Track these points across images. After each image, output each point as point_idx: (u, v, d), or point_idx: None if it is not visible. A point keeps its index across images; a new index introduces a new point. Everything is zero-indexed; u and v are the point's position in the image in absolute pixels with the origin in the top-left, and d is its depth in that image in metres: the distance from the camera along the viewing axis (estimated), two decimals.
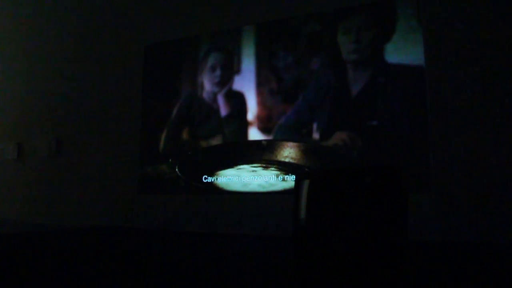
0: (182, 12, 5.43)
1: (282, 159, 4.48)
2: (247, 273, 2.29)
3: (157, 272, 2.24)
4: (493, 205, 3.50)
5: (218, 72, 5.11)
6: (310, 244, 1.56)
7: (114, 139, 5.62)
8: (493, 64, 3.72)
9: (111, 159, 5.57)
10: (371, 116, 4.15)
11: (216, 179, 4.76)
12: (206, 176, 4.79)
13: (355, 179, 1.55)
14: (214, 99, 5.07)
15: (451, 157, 3.75)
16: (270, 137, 4.65)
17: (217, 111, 5.03)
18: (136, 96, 5.55)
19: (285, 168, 4.46)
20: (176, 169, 5.06)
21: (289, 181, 4.40)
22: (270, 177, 4.50)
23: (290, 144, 4.50)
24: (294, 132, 4.53)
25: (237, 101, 4.90)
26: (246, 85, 4.87)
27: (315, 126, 4.42)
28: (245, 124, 4.81)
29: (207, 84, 5.16)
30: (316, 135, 4.39)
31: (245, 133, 4.80)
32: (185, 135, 5.17)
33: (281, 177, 4.46)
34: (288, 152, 4.48)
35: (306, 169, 4.36)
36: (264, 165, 4.56)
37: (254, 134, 4.74)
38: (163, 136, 5.30)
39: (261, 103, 4.77)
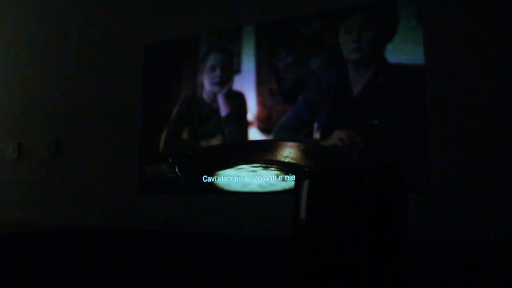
0: (182, 12, 5.42)
1: (282, 159, 4.48)
2: (247, 273, 2.29)
3: (157, 272, 2.24)
4: (493, 205, 3.50)
5: (218, 72, 5.11)
6: (310, 244, 1.56)
7: (114, 139, 5.62)
8: (493, 64, 3.72)
9: (111, 159, 5.56)
10: (372, 116, 4.15)
11: (216, 179, 4.75)
12: (206, 176, 4.79)
13: (355, 179, 1.55)
14: (214, 99, 5.07)
15: (450, 157, 3.75)
16: (270, 137, 4.65)
17: (217, 111, 5.02)
18: (136, 96, 5.55)
19: (285, 168, 4.46)
20: (176, 169, 5.06)
21: (289, 181, 4.40)
22: (270, 177, 4.50)
23: (290, 144, 4.50)
24: (294, 132, 4.53)
25: (237, 101, 4.90)
26: (246, 85, 4.87)
27: (315, 126, 4.41)
28: (245, 124, 4.80)
29: (207, 84, 5.15)
30: (316, 135, 4.39)
31: (245, 133, 4.80)
32: (185, 135, 5.17)
33: (281, 177, 4.46)
34: (288, 152, 4.47)
35: (306, 169, 4.36)
36: (264, 165, 4.56)
37: (254, 134, 4.74)
38: (163, 136, 5.30)
39: (261, 103, 4.76)
